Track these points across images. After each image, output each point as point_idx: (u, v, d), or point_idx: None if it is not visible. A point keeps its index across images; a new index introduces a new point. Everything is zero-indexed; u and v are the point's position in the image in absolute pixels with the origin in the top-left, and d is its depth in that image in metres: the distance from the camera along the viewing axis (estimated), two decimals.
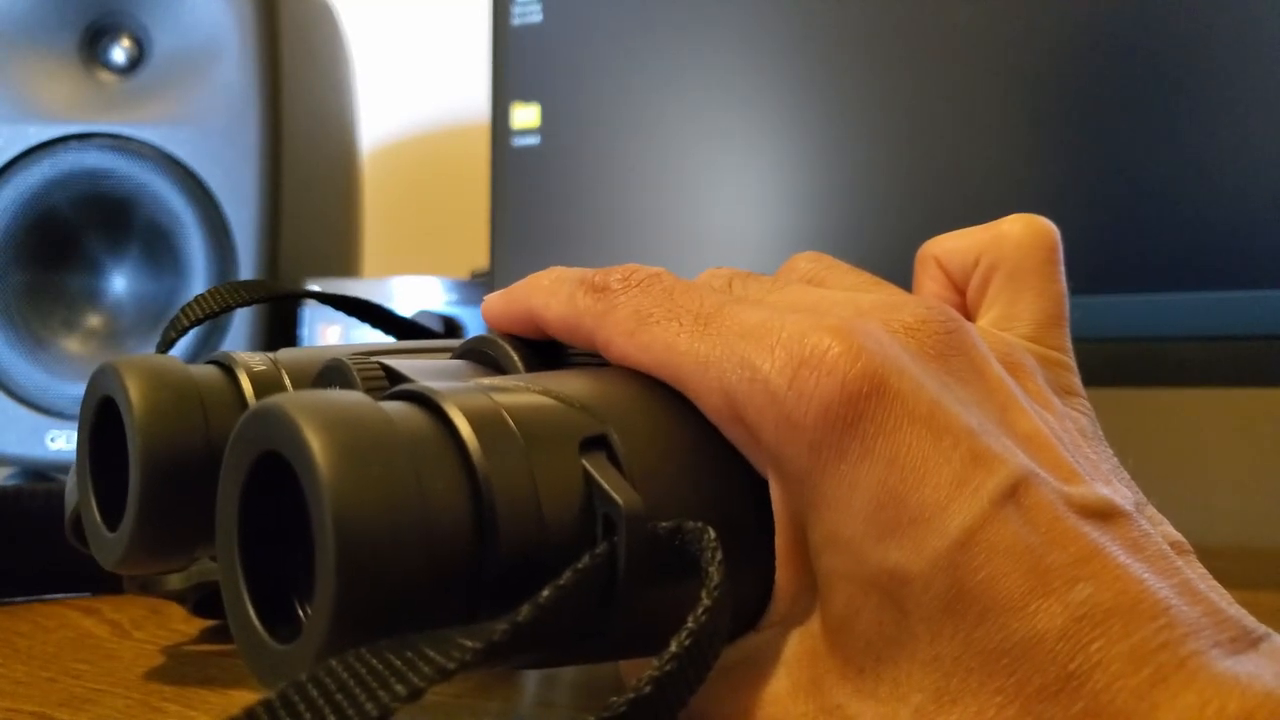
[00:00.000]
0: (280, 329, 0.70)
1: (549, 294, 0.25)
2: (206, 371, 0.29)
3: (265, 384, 0.28)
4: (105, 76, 0.70)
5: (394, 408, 0.20)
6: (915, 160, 0.53)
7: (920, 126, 0.53)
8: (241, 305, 0.33)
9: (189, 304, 0.33)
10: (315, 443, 0.18)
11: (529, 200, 0.63)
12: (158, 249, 0.69)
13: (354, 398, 0.19)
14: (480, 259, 0.72)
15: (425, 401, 0.20)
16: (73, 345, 0.69)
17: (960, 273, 0.28)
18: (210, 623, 0.38)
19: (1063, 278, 0.27)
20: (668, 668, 0.18)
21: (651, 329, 0.23)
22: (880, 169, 0.54)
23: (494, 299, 0.27)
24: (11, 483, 0.65)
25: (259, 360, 0.29)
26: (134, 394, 0.27)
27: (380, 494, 0.18)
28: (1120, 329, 0.49)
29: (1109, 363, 0.49)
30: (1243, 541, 0.68)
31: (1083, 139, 0.50)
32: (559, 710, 0.29)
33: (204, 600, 0.36)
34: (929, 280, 0.29)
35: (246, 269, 0.68)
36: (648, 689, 0.17)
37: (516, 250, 0.63)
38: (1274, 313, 0.47)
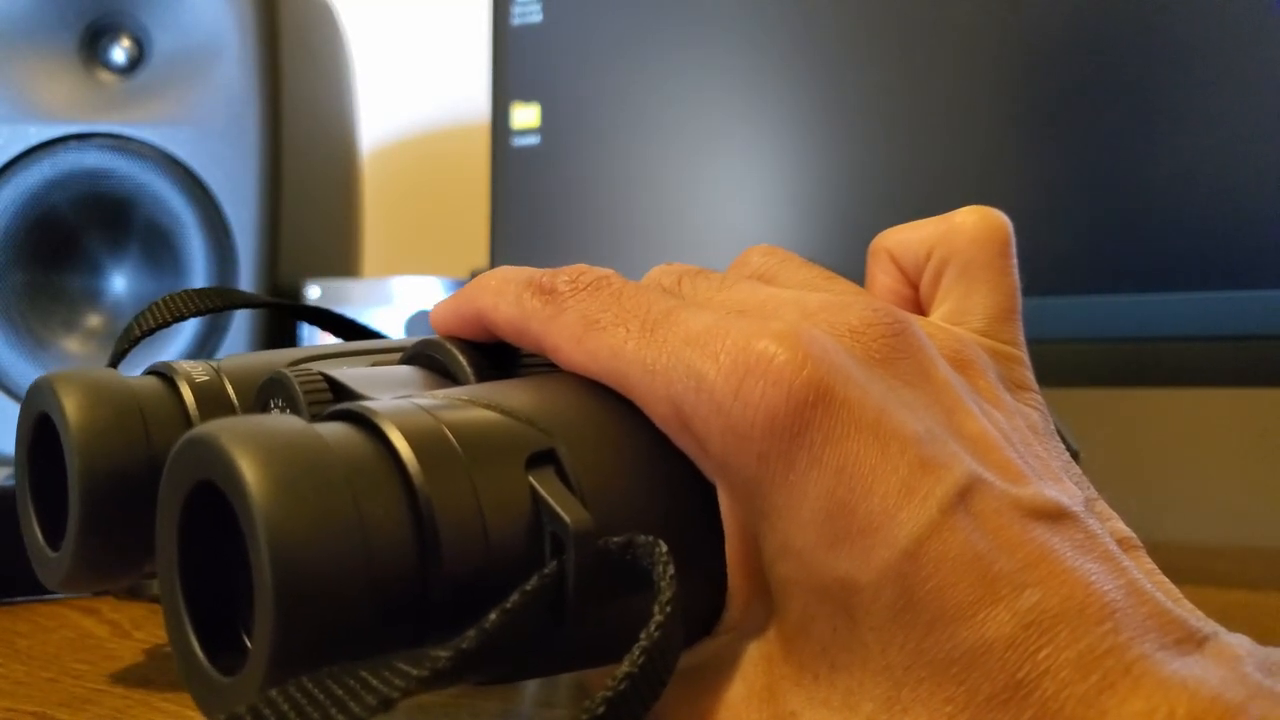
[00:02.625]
0: (279, 330, 0.70)
1: (496, 295, 0.25)
2: (146, 383, 0.28)
3: (208, 395, 0.27)
4: (105, 76, 0.70)
5: (331, 430, 0.19)
6: (915, 160, 0.53)
7: (921, 126, 0.53)
8: (195, 315, 0.32)
9: (141, 314, 0.32)
10: (249, 473, 0.17)
11: (529, 200, 0.63)
12: (158, 249, 0.69)
13: (290, 423, 0.19)
14: (480, 259, 0.72)
15: (363, 422, 0.20)
16: (73, 345, 0.69)
17: (913, 266, 0.28)
18: None
19: (1015, 271, 0.27)
20: (621, 686, 0.17)
21: (599, 335, 0.22)
22: (879, 168, 0.54)
23: (441, 306, 0.26)
24: (11, 482, 0.65)
25: (201, 370, 0.28)
26: (70, 410, 0.26)
27: (318, 524, 0.17)
28: (1120, 329, 0.49)
29: (1109, 363, 0.49)
30: (1243, 541, 0.68)
31: (1081, 138, 0.50)
32: (558, 710, 0.29)
33: None
34: (881, 273, 0.28)
35: (246, 269, 0.68)
36: (601, 709, 0.17)
37: (516, 250, 0.63)
38: (1274, 313, 0.47)
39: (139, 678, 0.31)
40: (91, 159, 0.68)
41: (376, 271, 0.96)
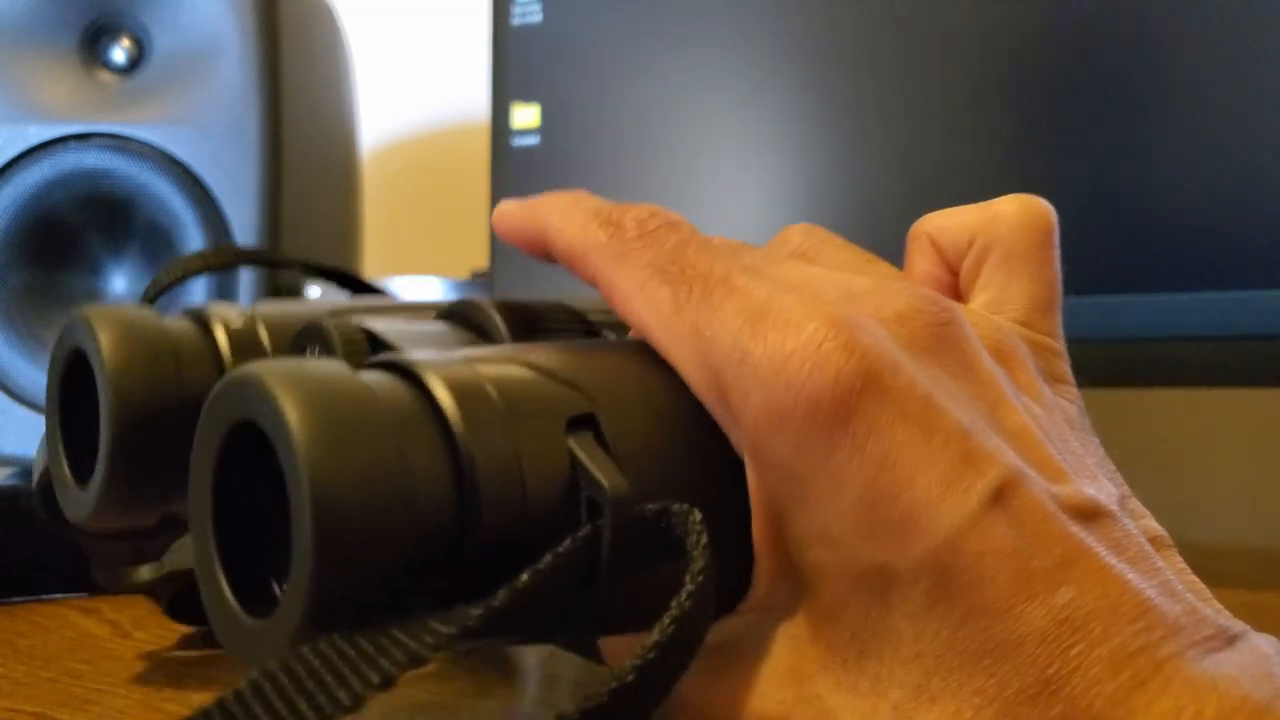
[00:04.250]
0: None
1: (564, 217, 0.24)
2: (181, 324, 0.28)
3: (241, 339, 0.28)
4: (105, 76, 0.70)
5: (375, 379, 0.19)
6: (916, 160, 0.53)
7: (921, 127, 0.53)
8: (229, 267, 0.33)
9: (177, 260, 0.32)
10: (293, 415, 0.17)
11: None
12: (158, 249, 0.69)
13: (334, 368, 0.19)
14: (480, 259, 0.72)
15: (406, 373, 0.20)
16: None
17: (953, 251, 0.27)
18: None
19: (1058, 262, 0.27)
20: (650, 655, 0.17)
21: (660, 287, 0.22)
22: (879, 169, 0.54)
23: (509, 206, 0.26)
24: (11, 482, 0.65)
25: (236, 314, 0.28)
26: (105, 345, 0.26)
27: (361, 469, 0.17)
28: (1120, 329, 0.49)
29: (1109, 363, 0.49)
30: (1243, 541, 0.68)
31: (1082, 138, 0.50)
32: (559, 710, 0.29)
33: (177, 600, 0.36)
34: (921, 258, 0.28)
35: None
36: (630, 677, 0.17)
37: (516, 250, 0.63)
38: (1274, 313, 0.46)
39: (139, 678, 0.31)
40: (91, 159, 0.68)
41: (376, 271, 0.96)
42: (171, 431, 0.26)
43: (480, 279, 0.70)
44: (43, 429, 0.69)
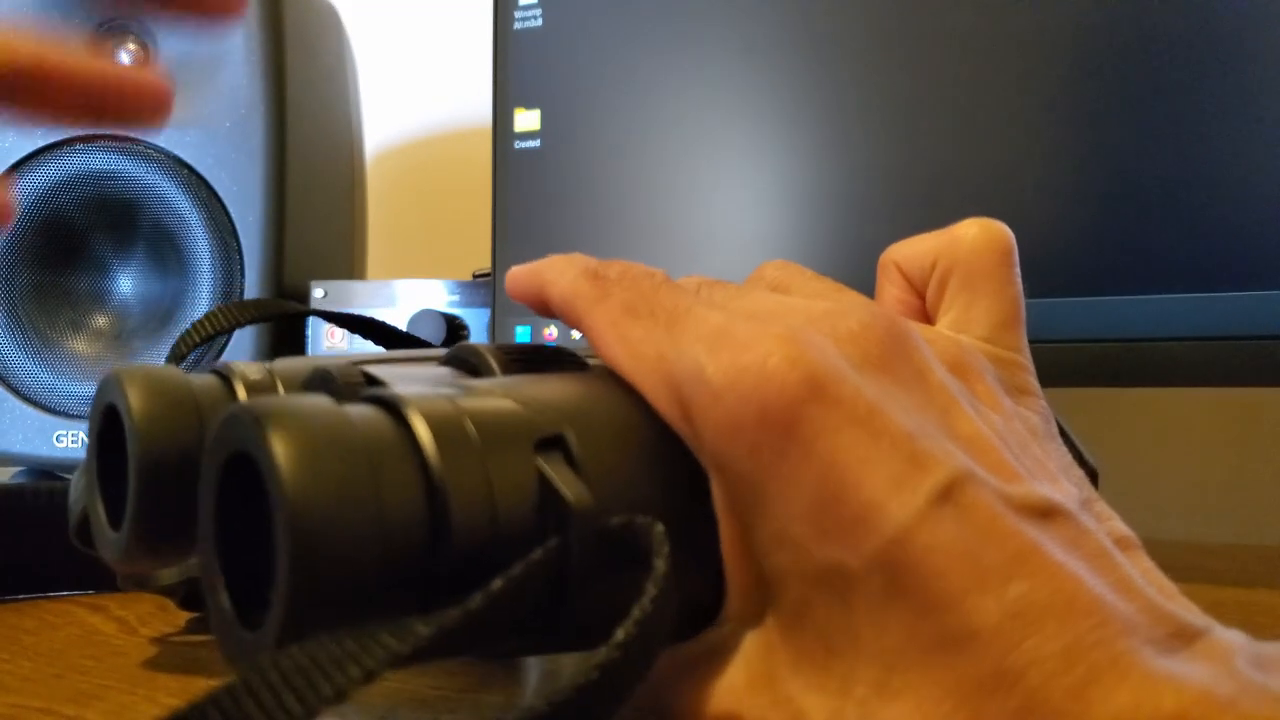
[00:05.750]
0: (285, 335, 0.70)
1: (558, 273, 0.27)
2: (205, 380, 0.30)
3: (260, 392, 0.30)
4: None
5: (357, 411, 0.21)
6: (914, 162, 0.54)
7: (920, 128, 0.53)
8: (251, 323, 0.35)
9: (199, 322, 0.35)
10: (276, 442, 0.19)
11: (530, 202, 0.63)
12: (164, 250, 0.70)
13: (319, 402, 0.20)
14: (482, 260, 0.72)
15: (388, 405, 0.21)
16: (79, 346, 0.70)
17: (919, 277, 0.29)
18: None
19: (1018, 280, 0.28)
20: (614, 655, 0.18)
21: (632, 322, 0.24)
22: (878, 171, 0.54)
23: (517, 269, 0.28)
24: (18, 481, 0.65)
25: (255, 370, 0.30)
26: (133, 401, 0.28)
27: (336, 489, 0.19)
28: (1120, 329, 0.49)
29: (1107, 363, 0.49)
30: (1237, 539, 0.68)
31: (1083, 139, 0.50)
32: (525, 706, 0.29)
33: (190, 594, 0.37)
34: (890, 285, 0.30)
35: (252, 271, 0.68)
36: (594, 675, 0.18)
37: (518, 251, 0.64)
38: (1274, 313, 0.47)
39: (145, 673, 0.32)
40: (98, 161, 0.68)
41: (380, 273, 0.97)
42: (195, 479, 0.28)
43: (482, 280, 0.71)
44: (48, 428, 0.69)
